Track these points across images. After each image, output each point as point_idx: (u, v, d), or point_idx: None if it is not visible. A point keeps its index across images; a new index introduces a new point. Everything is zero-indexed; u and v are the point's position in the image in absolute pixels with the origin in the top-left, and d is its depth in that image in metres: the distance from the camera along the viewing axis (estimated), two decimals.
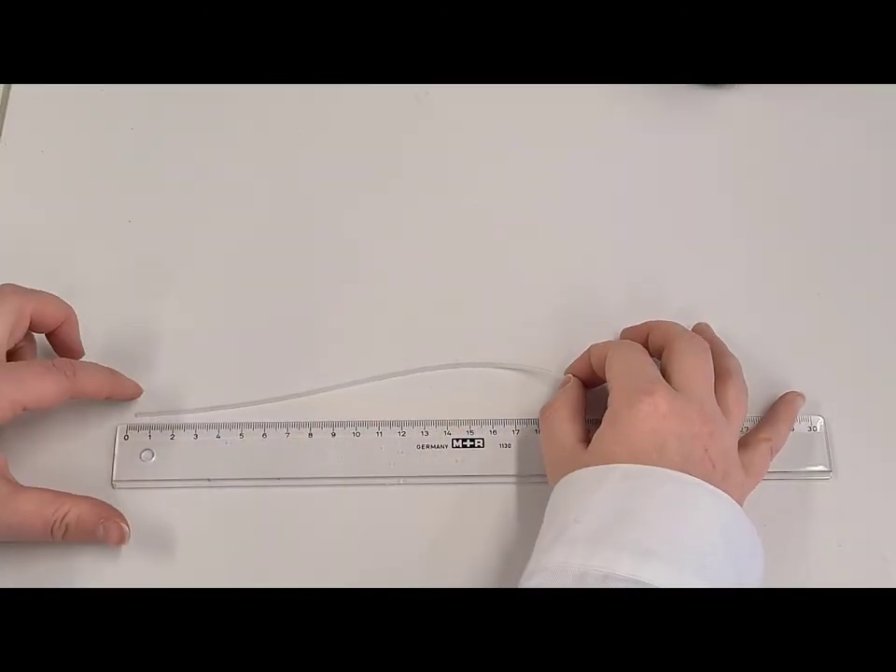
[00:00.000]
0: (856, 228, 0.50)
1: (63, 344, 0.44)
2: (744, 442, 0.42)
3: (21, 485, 0.40)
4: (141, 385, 0.45)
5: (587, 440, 0.41)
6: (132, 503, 0.43)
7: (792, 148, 0.51)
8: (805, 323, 0.47)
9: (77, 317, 0.45)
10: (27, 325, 0.42)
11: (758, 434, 0.43)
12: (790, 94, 0.52)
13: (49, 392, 0.40)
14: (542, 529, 0.39)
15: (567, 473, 0.39)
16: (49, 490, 0.41)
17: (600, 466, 0.38)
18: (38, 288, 0.43)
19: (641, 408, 0.38)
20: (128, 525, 0.42)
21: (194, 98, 0.53)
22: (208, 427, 0.45)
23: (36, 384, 0.40)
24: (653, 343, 0.44)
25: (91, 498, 0.41)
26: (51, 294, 0.43)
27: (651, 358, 0.42)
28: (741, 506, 0.39)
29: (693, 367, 0.41)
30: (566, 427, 0.41)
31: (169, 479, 0.44)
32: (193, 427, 0.45)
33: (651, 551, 0.34)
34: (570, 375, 0.45)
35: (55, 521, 0.40)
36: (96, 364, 0.44)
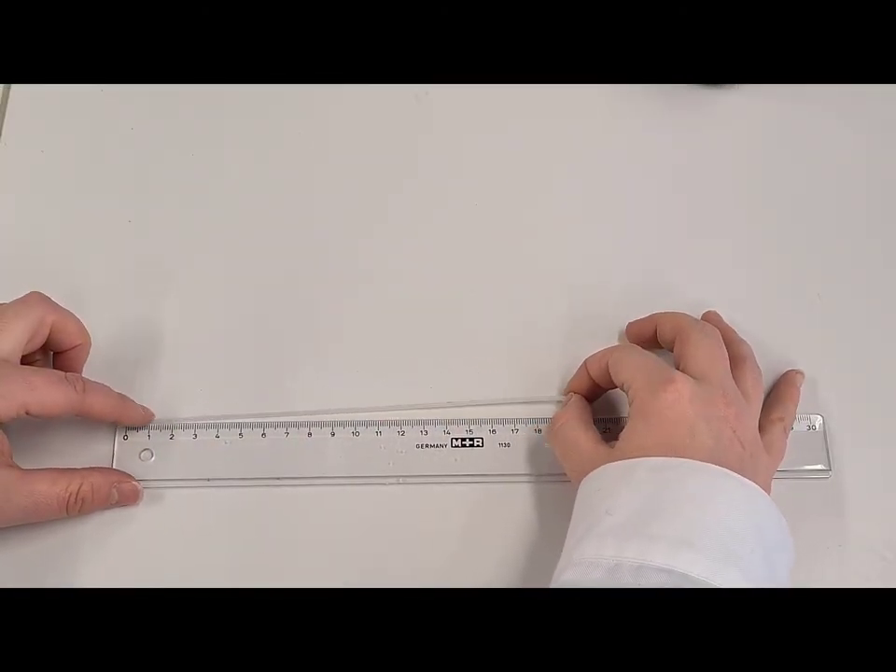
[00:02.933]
0: (856, 228, 0.50)
1: (67, 367, 0.44)
2: (758, 425, 0.41)
3: (27, 469, 0.41)
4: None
5: (603, 443, 0.41)
6: None
7: (792, 148, 0.51)
8: (805, 323, 0.47)
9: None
10: (47, 335, 0.43)
11: (769, 415, 0.43)
12: (790, 94, 0.52)
13: (56, 401, 0.41)
14: (572, 524, 0.38)
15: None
16: (56, 468, 0.42)
17: (628, 460, 0.38)
18: (38, 290, 0.43)
19: (666, 396, 0.38)
20: (138, 482, 0.43)
21: (194, 98, 0.53)
22: (207, 426, 0.45)
23: (46, 390, 0.40)
24: (663, 336, 0.44)
25: (98, 468, 0.43)
26: (75, 315, 0.44)
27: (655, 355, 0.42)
28: (770, 488, 0.39)
29: (709, 354, 0.41)
30: (580, 434, 0.41)
31: (168, 479, 0.44)
32: (192, 426, 0.45)
33: (684, 541, 0.34)
34: (571, 393, 0.45)
35: (69, 496, 0.41)
36: (107, 387, 0.43)
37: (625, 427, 0.39)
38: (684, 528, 0.35)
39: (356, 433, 0.45)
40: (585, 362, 0.44)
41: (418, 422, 0.45)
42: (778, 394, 0.45)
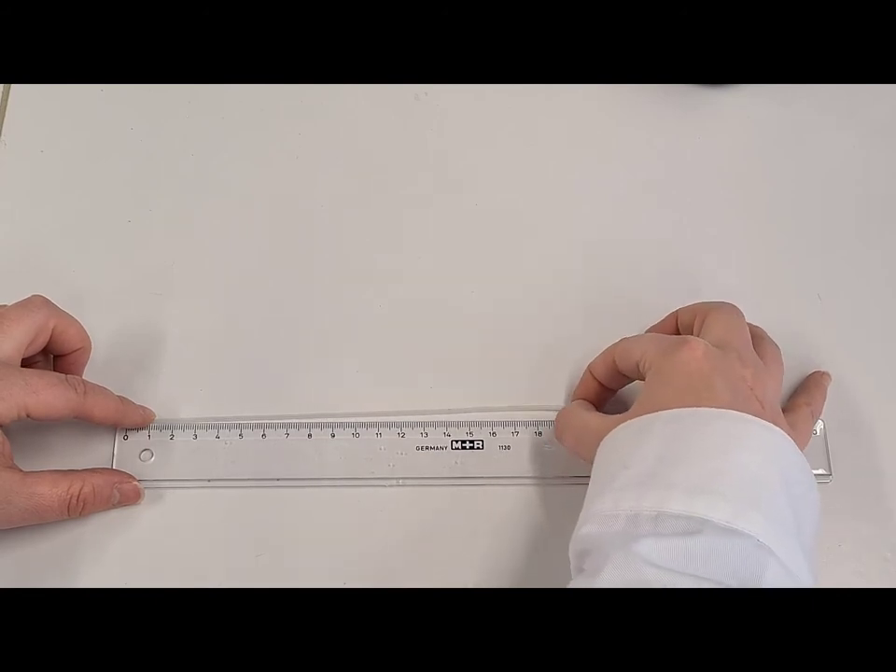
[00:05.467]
0: (856, 228, 0.50)
1: (67, 371, 0.44)
2: (784, 408, 0.41)
3: (28, 472, 0.41)
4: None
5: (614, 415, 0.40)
6: None
7: (792, 148, 0.51)
8: (804, 324, 0.47)
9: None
10: (48, 338, 0.43)
11: (796, 400, 0.43)
12: (790, 94, 0.52)
13: (57, 404, 0.41)
14: (590, 484, 0.38)
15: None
16: (57, 470, 0.41)
17: (646, 416, 0.37)
18: (39, 292, 0.43)
19: (680, 356, 0.38)
20: (139, 482, 0.43)
21: (194, 98, 0.53)
22: (207, 427, 0.45)
23: (47, 393, 0.40)
24: (684, 323, 0.43)
25: (99, 469, 0.43)
26: (76, 320, 0.44)
27: None
28: None
29: (726, 323, 0.40)
30: (586, 416, 0.41)
31: (168, 479, 0.44)
32: (192, 427, 0.45)
33: (702, 487, 0.34)
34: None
35: (70, 498, 0.41)
36: (108, 390, 0.43)
37: (640, 392, 0.39)
38: (703, 475, 0.34)
39: (356, 434, 0.45)
40: (589, 367, 0.44)
41: (418, 424, 0.45)
42: (805, 386, 0.45)
